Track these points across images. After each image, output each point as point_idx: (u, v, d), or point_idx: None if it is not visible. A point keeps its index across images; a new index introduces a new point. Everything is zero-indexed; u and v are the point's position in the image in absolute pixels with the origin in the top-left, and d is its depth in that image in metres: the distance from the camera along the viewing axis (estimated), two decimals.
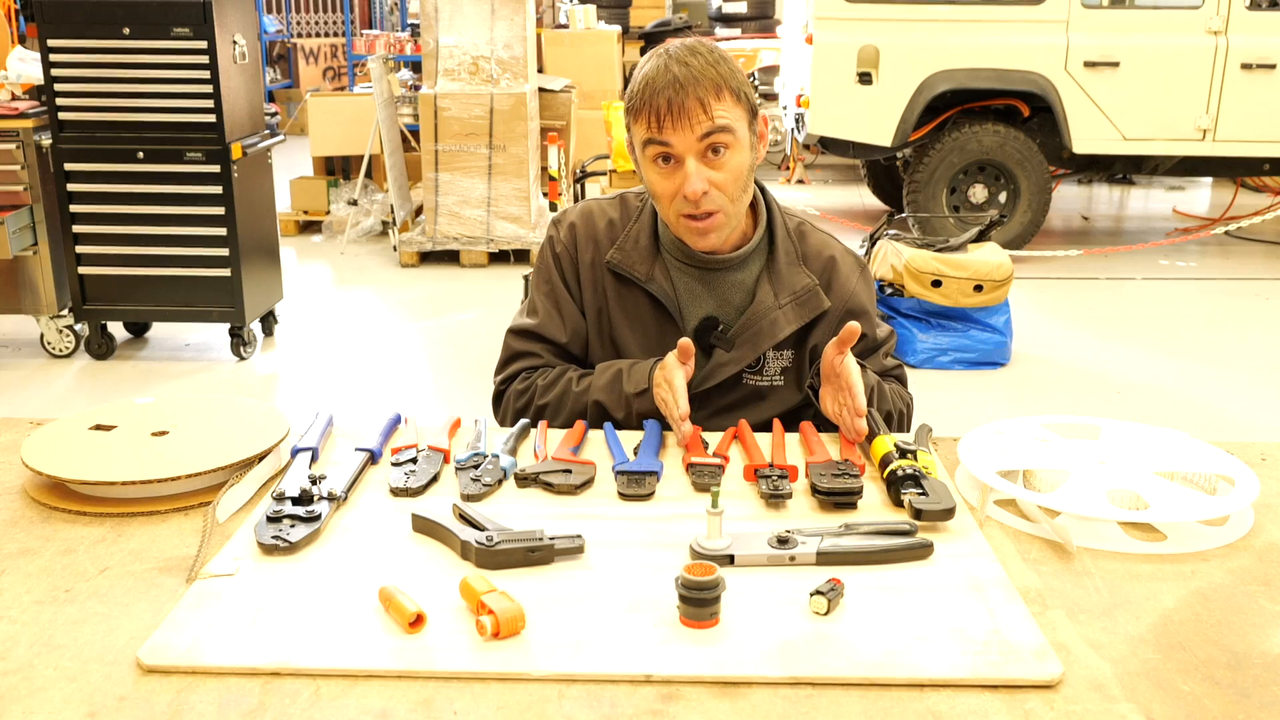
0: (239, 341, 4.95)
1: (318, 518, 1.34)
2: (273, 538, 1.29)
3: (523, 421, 1.68)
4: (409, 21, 9.65)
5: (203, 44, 4.49)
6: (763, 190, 1.83)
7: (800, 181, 9.38)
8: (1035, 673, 1.07)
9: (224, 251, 4.72)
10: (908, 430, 1.82)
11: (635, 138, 1.69)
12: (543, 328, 1.85)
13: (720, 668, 1.07)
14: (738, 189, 1.68)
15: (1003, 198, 6.71)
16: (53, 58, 4.49)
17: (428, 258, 6.69)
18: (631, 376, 1.73)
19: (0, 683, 1.05)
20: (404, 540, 1.33)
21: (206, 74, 4.52)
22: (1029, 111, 6.73)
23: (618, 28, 8.84)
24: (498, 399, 1.89)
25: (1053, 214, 7.81)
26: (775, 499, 1.42)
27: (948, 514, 1.36)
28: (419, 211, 7.00)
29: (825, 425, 1.70)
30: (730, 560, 1.26)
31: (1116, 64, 6.46)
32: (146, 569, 1.27)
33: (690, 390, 1.69)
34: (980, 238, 5.12)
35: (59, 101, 4.53)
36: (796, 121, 7.23)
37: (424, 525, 1.34)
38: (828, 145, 7.07)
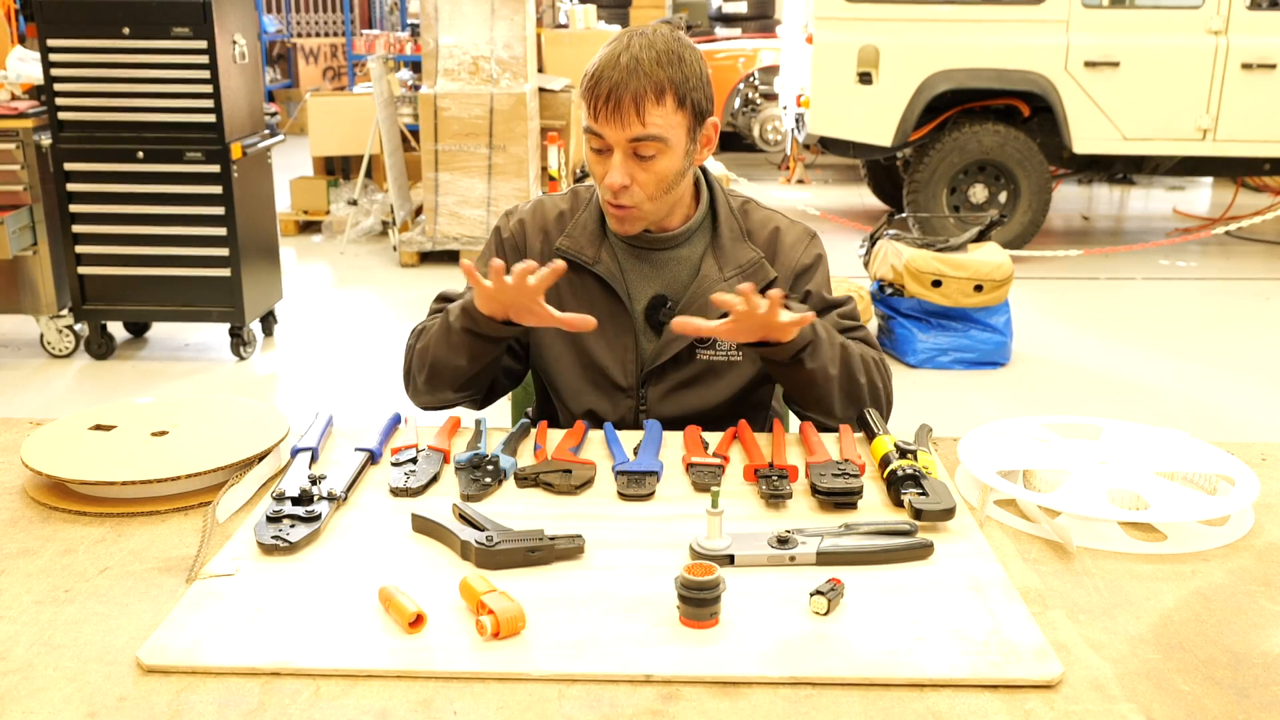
0: (239, 341, 4.95)
1: (318, 518, 1.34)
2: (273, 538, 1.29)
3: (523, 421, 1.69)
4: (409, 21, 9.63)
5: (203, 44, 4.49)
6: (704, 170, 1.85)
7: (800, 181, 9.38)
8: (1035, 673, 1.07)
9: (224, 251, 4.72)
10: (886, 411, 1.77)
11: (583, 116, 1.70)
12: (459, 294, 1.86)
13: (720, 668, 1.07)
14: (659, 190, 1.70)
15: (1003, 198, 6.71)
16: (52, 58, 4.49)
17: (428, 258, 6.68)
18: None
19: (0, 683, 1.06)
20: (404, 540, 1.33)
21: (206, 74, 4.52)
22: (1029, 111, 6.73)
23: (618, 28, 8.83)
24: (407, 353, 1.89)
25: (1053, 214, 7.82)
26: (775, 499, 1.43)
27: (948, 514, 1.36)
28: (419, 211, 7.00)
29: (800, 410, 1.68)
30: (730, 560, 1.26)
31: (1117, 64, 6.46)
32: (146, 569, 1.27)
33: (645, 367, 1.80)
34: (980, 238, 5.12)
35: (59, 101, 4.53)
36: (796, 121, 7.23)
37: (424, 525, 1.34)
38: (828, 145, 7.07)
